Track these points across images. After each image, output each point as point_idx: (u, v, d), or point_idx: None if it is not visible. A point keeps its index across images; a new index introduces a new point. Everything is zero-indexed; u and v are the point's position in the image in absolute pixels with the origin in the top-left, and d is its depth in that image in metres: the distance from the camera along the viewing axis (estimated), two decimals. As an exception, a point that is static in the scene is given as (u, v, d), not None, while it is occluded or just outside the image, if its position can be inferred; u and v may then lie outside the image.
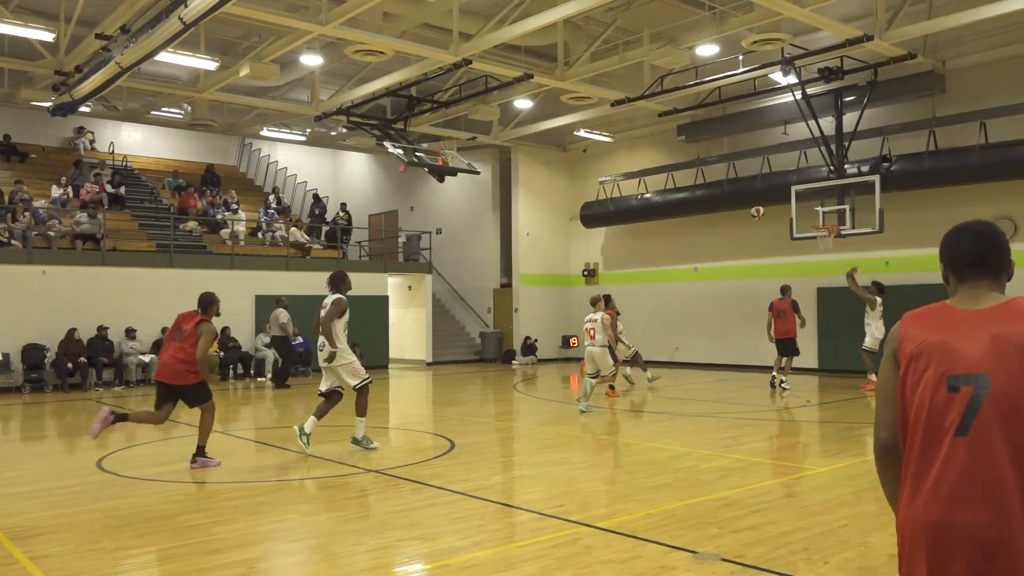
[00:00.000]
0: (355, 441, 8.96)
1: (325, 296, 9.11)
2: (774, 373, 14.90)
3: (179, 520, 6.05)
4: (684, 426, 11.20)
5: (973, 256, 2.29)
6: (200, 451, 8.23)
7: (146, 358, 17.41)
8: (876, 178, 15.94)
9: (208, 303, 8.73)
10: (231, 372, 18.63)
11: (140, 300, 17.89)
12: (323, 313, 8.83)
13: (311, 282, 20.36)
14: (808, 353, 18.75)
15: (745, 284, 20.01)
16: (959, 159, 15.74)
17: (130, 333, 17.34)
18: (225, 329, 18.75)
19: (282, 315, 17.54)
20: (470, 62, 15.65)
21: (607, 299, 13.31)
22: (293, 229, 22.42)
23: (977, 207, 16.23)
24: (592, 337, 12.17)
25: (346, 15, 13.65)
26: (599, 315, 12.23)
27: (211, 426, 8.32)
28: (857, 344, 15.11)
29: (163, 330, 17.87)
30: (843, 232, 16.28)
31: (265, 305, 19.47)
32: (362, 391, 8.84)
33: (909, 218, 16.95)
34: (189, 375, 8.07)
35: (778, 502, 6.38)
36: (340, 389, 8.87)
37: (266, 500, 6.79)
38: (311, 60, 17.57)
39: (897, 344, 2.30)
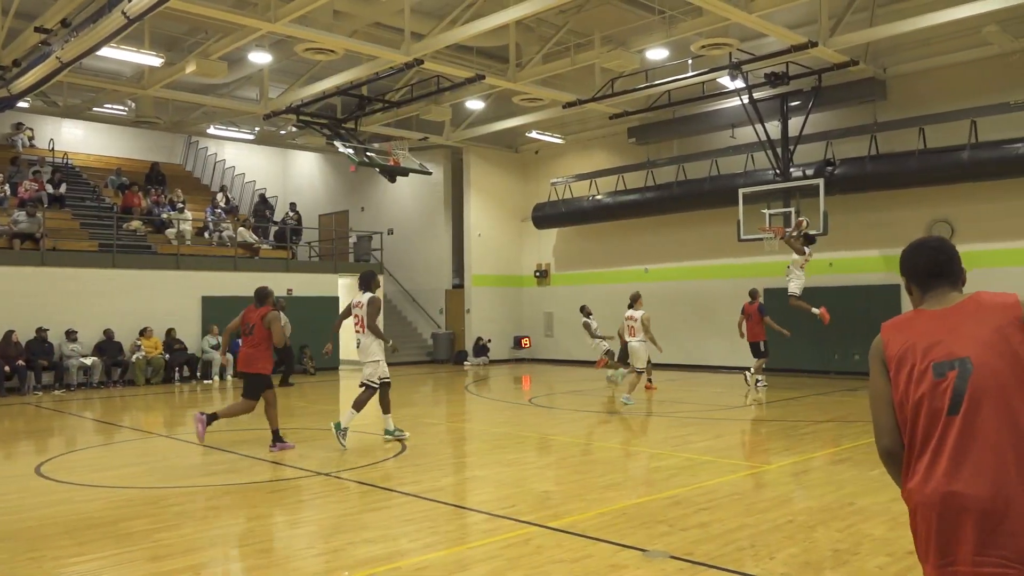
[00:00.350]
0: (387, 432, 9.54)
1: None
2: (751, 369, 15.18)
3: (121, 527, 5.90)
4: (634, 426, 11.31)
5: (932, 268, 2.54)
6: (276, 436, 9.09)
7: (88, 360, 16.95)
8: (820, 181, 16.30)
9: (264, 296, 9.32)
10: (176, 375, 18.25)
11: (82, 301, 17.43)
12: (359, 312, 9.21)
13: (259, 283, 20.13)
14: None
15: (694, 285, 20.29)
16: (899, 164, 16.19)
17: (71, 335, 16.88)
18: (170, 331, 18.38)
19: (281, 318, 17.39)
20: (422, 62, 15.59)
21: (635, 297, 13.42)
22: (241, 229, 22.05)
23: (916, 210, 16.73)
24: (632, 334, 12.82)
25: (295, 13, 13.48)
26: (639, 313, 12.80)
27: (277, 412, 9.15)
28: (801, 344, 15.42)
29: (105, 331, 17.47)
30: (789, 234, 16.58)
31: (212, 306, 19.14)
32: (369, 391, 9.26)
33: (852, 220, 17.38)
34: (257, 364, 8.97)
35: (726, 500, 6.48)
36: (387, 380, 9.35)
37: (212, 505, 6.67)
38: (260, 58, 17.32)
39: (882, 349, 2.48)
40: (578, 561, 4.92)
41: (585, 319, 16.48)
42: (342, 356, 22.30)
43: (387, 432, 9.51)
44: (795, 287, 14.48)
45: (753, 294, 15.41)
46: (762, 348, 15.16)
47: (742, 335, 15.32)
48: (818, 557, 4.96)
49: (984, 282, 16.51)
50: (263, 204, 24.93)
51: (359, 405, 9.20)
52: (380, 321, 9.35)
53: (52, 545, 5.44)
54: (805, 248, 14.54)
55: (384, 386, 9.31)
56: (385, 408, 9.44)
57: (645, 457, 8.48)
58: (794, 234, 14.67)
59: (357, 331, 9.27)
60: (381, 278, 23.21)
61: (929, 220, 16.57)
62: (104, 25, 12.64)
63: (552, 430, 11.00)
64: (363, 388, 9.30)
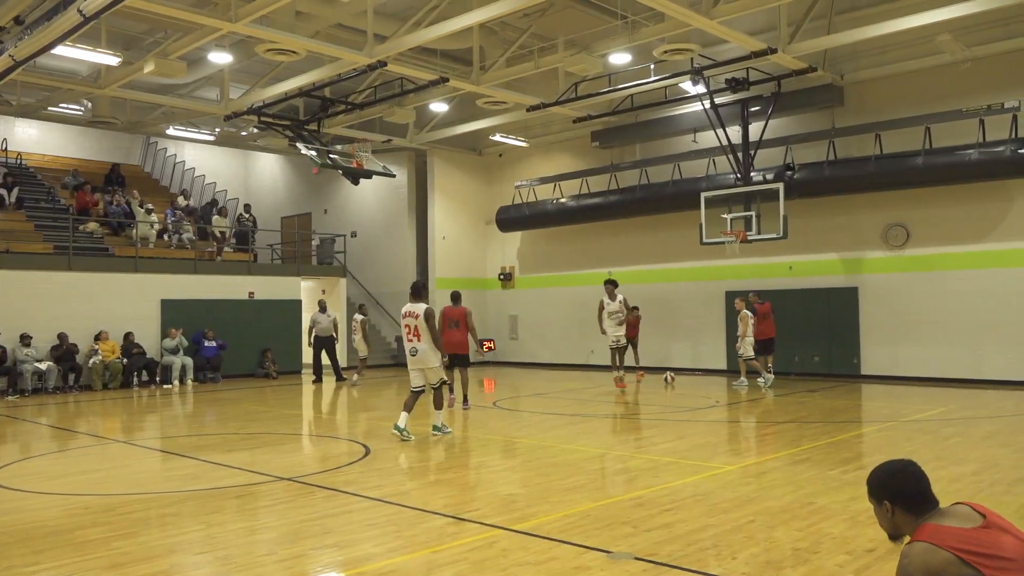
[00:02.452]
0: (435, 428, 10.22)
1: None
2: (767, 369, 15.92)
3: (78, 535, 5.78)
4: (598, 428, 11.37)
5: (926, 494, 2.83)
6: (465, 399, 13.00)
7: (43, 366, 16.57)
8: (780, 186, 16.55)
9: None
10: (135, 379, 17.94)
11: (36, 305, 17.04)
12: (412, 323, 9.84)
13: (220, 286, 19.89)
14: (716, 355, 19.35)
15: (657, 288, 20.45)
16: (856, 168, 16.50)
17: (25, 340, 16.49)
18: (129, 335, 18.05)
19: (323, 319, 18.77)
20: (385, 64, 15.52)
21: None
22: (216, 217, 22.08)
23: (873, 214, 17.06)
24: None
25: (256, 13, 13.33)
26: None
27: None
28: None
29: (60, 336, 17.07)
30: (749, 237, 16.83)
31: (171, 310, 18.86)
32: (440, 389, 10.15)
33: (811, 224, 17.67)
34: (466, 347, 12.77)
35: (689, 500, 6.55)
36: (423, 388, 10.12)
37: (172, 511, 6.56)
38: (220, 58, 17.10)
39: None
40: (543, 563, 4.93)
41: (362, 316, 18.16)
42: (305, 360, 22.11)
43: (434, 428, 10.22)
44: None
45: (761, 295, 16.45)
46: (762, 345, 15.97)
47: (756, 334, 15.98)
48: (779, 556, 5.03)
49: (939, 284, 16.94)
50: (212, 205, 24.55)
51: (439, 403, 10.16)
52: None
53: (7, 555, 5.31)
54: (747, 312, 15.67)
55: (442, 387, 10.20)
56: (438, 405, 10.20)
57: (609, 459, 8.53)
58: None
59: (410, 339, 9.86)
60: (343, 282, 23.17)
61: (885, 224, 16.92)
62: (59, 23, 12.39)
63: (516, 433, 11.01)
64: (436, 388, 10.09)
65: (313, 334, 18.75)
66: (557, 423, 11.80)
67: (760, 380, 15.56)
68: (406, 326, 9.90)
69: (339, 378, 18.94)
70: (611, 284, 16.02)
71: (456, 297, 13.42)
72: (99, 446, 10.30)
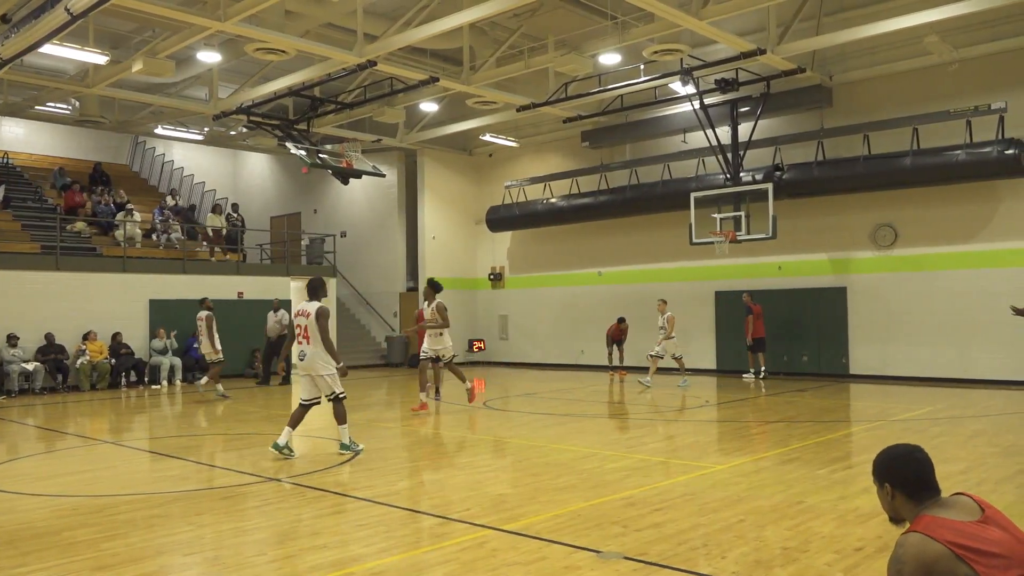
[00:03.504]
0: (343, 447, 8.87)
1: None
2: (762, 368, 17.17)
3: (66, 536, 5.75)
4: (588, 427, 11.38)
5: (929, 481, 2.83)
6: (437, 391, 13.46)
7: (29, 366, 16.47)
8: (769, 186, 16.61)
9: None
10: (123, 379, 17.84)
11: (23, 305, 16.93)
12: (304, 322, 8.61)
13: (208, 286, 19.79)
14: (706, 354, 19.40)
15: (647, 287, 20.49)
16: (845, 169, 16.57)
17: (12, 340, 16.38)
18: (116, 335, 17.95)
19: (271, 319, 18.23)
20: (375, 64, 15.49)
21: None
22: (211, 215, 22.10)
23: (862, 215, 17.15)
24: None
25: (245, 12, 13.28)
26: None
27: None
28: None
29: (47, 336, 16.97)
30: (739, 238, 16.89)
31: (159, 310, 18.76)
32: (340, 402, 8.79)
33: (800, 224, 17.75)
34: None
35: (679, 500, 6.56)
36: (319, 400, 8.81)
37: (161, 512, 6.53)
38: (209, 57, 17.02)
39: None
40: (533, 563, 4.93)
41: (207, 312, 15.67)
42: (294, 360, 22.02)
43: (342, 447, 8.93)
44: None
45: (752, 297, 17.26)
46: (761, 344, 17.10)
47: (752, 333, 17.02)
48: (768, 555, 5.04)
49: (927, 284, 17.01)
50: (191, 211, 24.43)
51: (340, 417, 8.80)
52: (332, 334, 8.84)
53: (-8, 557, 5.27)
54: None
55: (342, 398, 8.86)
56: (341, 419, 8.92)
57: (599, 459, 8.54)
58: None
59: (300, 342, 8.67)
60: (334, 282, 23.09)
61: (874, 224, 17.01)
62: (46, 21, 12.33)
63: (506, 433, 11.01)
64: (333, 401, 8.76)
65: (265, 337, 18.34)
66: (547, 423, 11.80)
67: (745, 377, 16.47)
68: (297, 326, 8.72)
69: (264, 381, 18.47)
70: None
71: (431, 291, 13.79)
72: (87, 447, 10.24)
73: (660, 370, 17.81)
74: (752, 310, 17.02)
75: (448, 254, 24.15)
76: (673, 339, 15.88)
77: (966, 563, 2.49)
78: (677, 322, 16.10)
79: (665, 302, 16.18)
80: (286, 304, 19.70)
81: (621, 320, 19.09)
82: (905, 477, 2.83)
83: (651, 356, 16.14)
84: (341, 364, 8.77)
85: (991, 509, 2.68)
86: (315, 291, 8.85)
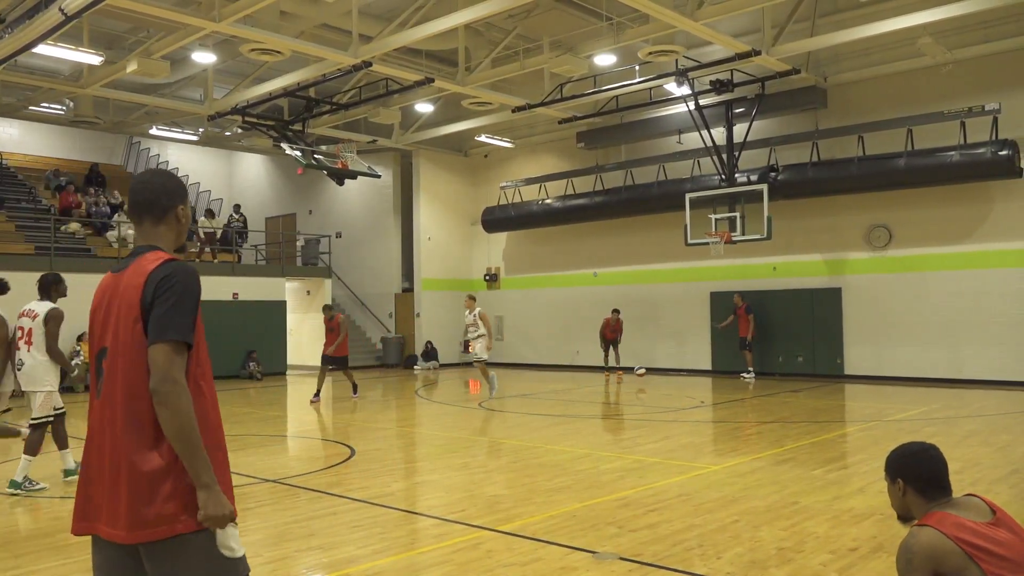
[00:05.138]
0: (14, 485, 7.15)
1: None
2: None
3: (60, 538, 5.74)
4: (584, 428, 11.38)
5: (942, 480, 2.84)
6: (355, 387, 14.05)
7: (23, 367, 16.39)
8: (764, 187, 16.63)
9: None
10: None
11: (17, 306, 16.81)
12: (28, 325, 7.41)
13: (203, 286, 19.73)
14: (701, 355, 19.43)
15: (642, 288, 20.52)
16: (839, 170, 16.60)
17: (5, 341, 16.30)
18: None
19: None
20: (370, 64, 15.48)
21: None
22: (203, 219, 21.98)
23: (856, 215, 17.18)
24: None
25: (240, 12, 13.25)
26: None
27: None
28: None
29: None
30: (734, 238, 16.91)
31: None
32: (41, 428, 7.34)
33: (795, 225, 17.78)
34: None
35: (674, 501, 6.56)
36: (51, 417, 7.45)
37: (155, 514, 6.50)
38: (204, 57, 16.99)
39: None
40: (528, 564, 4.93)
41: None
42: (290, 361, 22.03)
43: (12, 484, 7.21)
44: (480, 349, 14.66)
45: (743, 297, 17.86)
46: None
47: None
48: (763, 556, 5.05)
49: (921, 285, 17.03)
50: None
51: (33, 449, 7.22)
52: (65, 344, 7.24)
53: (-14, 559, 5.25)
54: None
55: (59, 418, 7.56)
56: (62, 444, 7.62)
57: (594, 459, 8.54)
58: None
59: (19, 347, 7.39)
60: (328, 282, 23.07)
61: (868, 225, 17.04)
62: (40, 22, 12.30)
63: (502, 434, 11.01)
64: (32, 428, 7.31)
65: None
66: (542, 424, 11.81)
67: (746, 377, 17.22)
68: (19, 328, 7.46)
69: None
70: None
71: (328, 307, 15.30)
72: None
73: (652, 370, 17.84)
74: (736, 310, 17.75)
75: (443, 255, 24.14)
76: (483, 337, 14.63)
77: (976, 563, 2.50)
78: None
79: (474, 299, 15.19)
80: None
81: (615, 311, 18.99)
82: (919, 474, 2.83)
83: (476, 363, 14.96)
84: (75, 372, 7.32)
85: (1002, 512, 2.69)
86: (47, 289, 7.59)
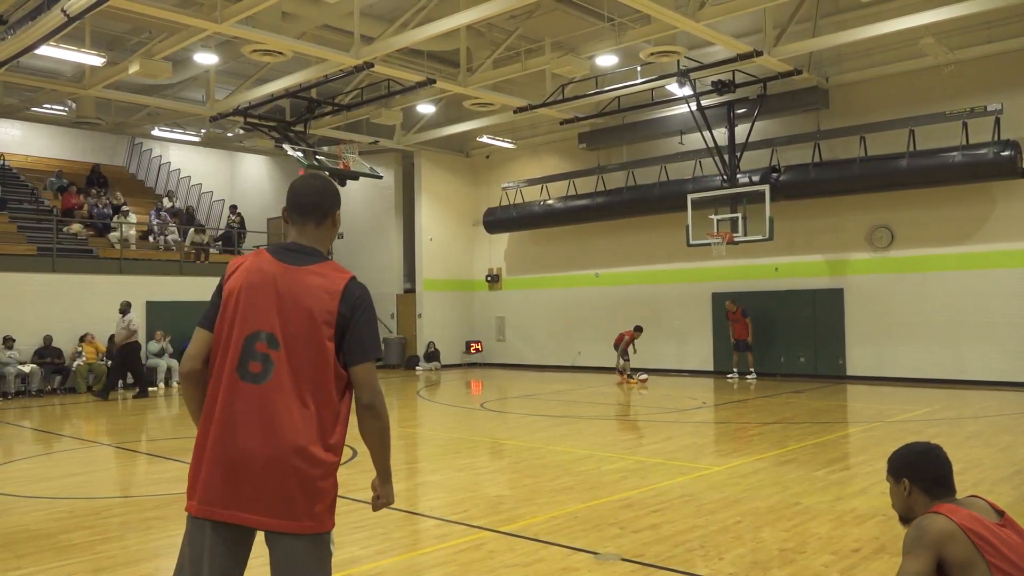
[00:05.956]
0: None
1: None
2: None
3: (62, 538, 5.74)
4: (586, 429, 11.37)
5: (947, 480, 2.85)
6: None
7: (26, 368, 16.43)
8: (766, 188, 16.62)
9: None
10: (120, 381, 17.77)
11: (20, 307, 16.90)
12: None
13: (205, 287, 19.76)
14: (703, 356, 19.41)
15: (644, 289, 20.51)
16: (841, 170, 16.59)
17: (8, 342, 16.33)
18: (114, 337, 17.90)
19: (119, 323, 16.25)
20: (372, 65, 15.49)
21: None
22: (191, 230, 21.77)
23: (858, 216, 17.17)
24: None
25: (242, 13, 13.27)
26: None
27: None
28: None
29: (45, 338, 16.95)
30: (736, 239, 16.90)
31: (157, 312, 18.74)
32: None
33: (797, 226, 17.77)
34: None
35: (676, 501, 6.56)
36: None
37: (156, 515, 6.52)
38: (205, 58, 17.01)
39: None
40: (530, 565, 4.93)
41: None
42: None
43: None
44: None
45: (736, 302, 17.90)
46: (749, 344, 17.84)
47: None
48: (765, 557, 5.05)
49: (923, 286, 17.00)
50: (189, 217, 24.29)
51: None
52: None
53: (-12, 559, 5.26)
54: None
55: None
56: None
57: (596, 460, 8.54)
58: None
59: None
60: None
61: (870, 226, 17.02)
62: (43, 23, 12.32)
63: (504, 434, 11.01)
64: None
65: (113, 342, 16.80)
66: (544, 424, 11.80)
67: (748, 376, 17.36)
68: None
69: (103, 395, 16.08)
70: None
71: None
72: (83, 449, 10.22)
73: (653, 371, 17.82)
74: (728, 315, 17.99)
75: (445, 256, 24.14)
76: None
77: (982, 555, 2.50)
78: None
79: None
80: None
81: (638, 329, 17.94)
82: (924, 473, 2.82)
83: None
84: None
85: (1008, 516, 2.69)
86: None
